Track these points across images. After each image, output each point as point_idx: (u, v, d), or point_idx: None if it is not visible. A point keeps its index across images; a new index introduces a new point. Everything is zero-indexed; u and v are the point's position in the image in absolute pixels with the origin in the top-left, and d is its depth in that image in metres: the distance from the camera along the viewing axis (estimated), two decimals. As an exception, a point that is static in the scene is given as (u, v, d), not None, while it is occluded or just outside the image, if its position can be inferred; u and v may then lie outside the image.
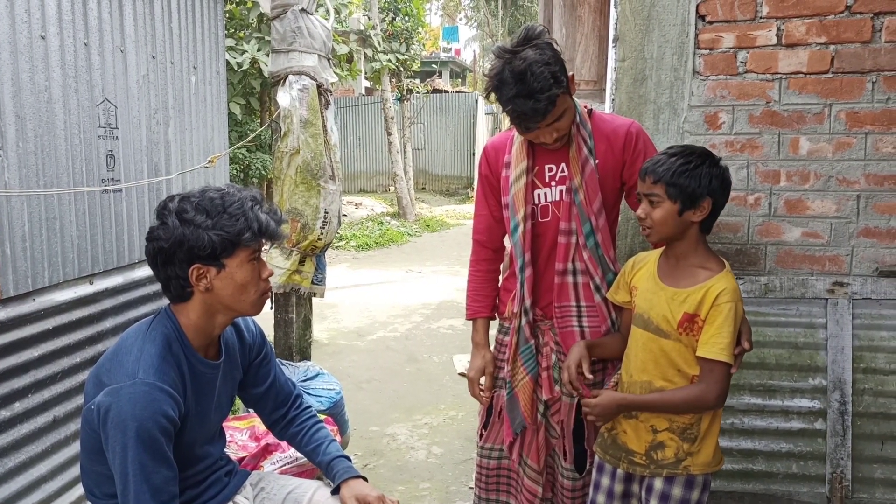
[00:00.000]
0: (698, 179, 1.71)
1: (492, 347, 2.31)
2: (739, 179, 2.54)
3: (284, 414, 1.99)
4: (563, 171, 2.07)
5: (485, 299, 2.28)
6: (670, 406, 1.76)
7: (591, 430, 2.10)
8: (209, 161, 2.91)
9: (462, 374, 4.89)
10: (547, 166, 2.08)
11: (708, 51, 2.52)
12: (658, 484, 1.79)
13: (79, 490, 2.57)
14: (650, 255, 1.93)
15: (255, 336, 1.90)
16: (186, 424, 1.64)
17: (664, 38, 2.52)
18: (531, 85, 1.81)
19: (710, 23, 2.50)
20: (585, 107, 2.12)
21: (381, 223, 12.80)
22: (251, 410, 2.18)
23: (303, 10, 2.98)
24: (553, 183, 2.08)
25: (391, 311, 6.86)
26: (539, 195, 2.09)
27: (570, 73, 1.93)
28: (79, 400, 2.58)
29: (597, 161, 2.04)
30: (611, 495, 1.90)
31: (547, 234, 2.10)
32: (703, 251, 1.80)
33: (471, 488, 3.26)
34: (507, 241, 2.29)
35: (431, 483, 3.34)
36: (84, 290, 2.61)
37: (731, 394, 2.56)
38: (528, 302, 2.12)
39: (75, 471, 2.55)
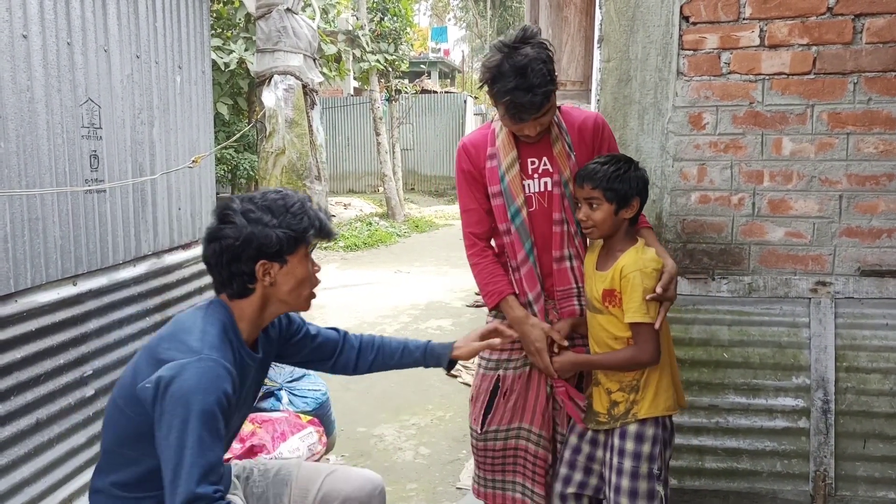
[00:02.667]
0: (629, 182, 2.00)
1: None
2: (723, 179, 2.55)
3: (343, 357, 2.07)
4: (545, 164, 2.19)
5: (503, 278, 2.25)
6: (613, 364, 2.05)
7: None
8: (193, 161, 2.90)
9: (451, 375, 4.89)
10: (529, 160, 2.20)
11: (692, 52, 2.53)
12: (616, 435, 2.05)
13: (63, 493, 2.55)
14: (594, 247, 2.20)
15: (280, 326, 1.94)
16: (230, 413, 1.64)
17: (648, 38, 2.54)
18: (531, 80, 1.95)
19: (694, 24, 2.52)
20: None
21: (370, 224, 12.78)
22: None
23: (288, 9, 2.97)
24: (536, 175, 2.20)
25: (379, 312, 6.85)
26: (524, 186, 2.20)
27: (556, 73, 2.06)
28: (62, 402, 2.55)
29: (574, 154, 2.19)
30: (577, 451, 2.17)
31: (535, 224, 2.21)
32: (627, 239, 2.07)
33: (458, 488, 3.26)
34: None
35: (419, 483, 3.34)
36: (68, 291, 2.59)
37: (715, 392, 2.58)
38: (540, 284, 2.22)
39: (59, 473, 2.53)
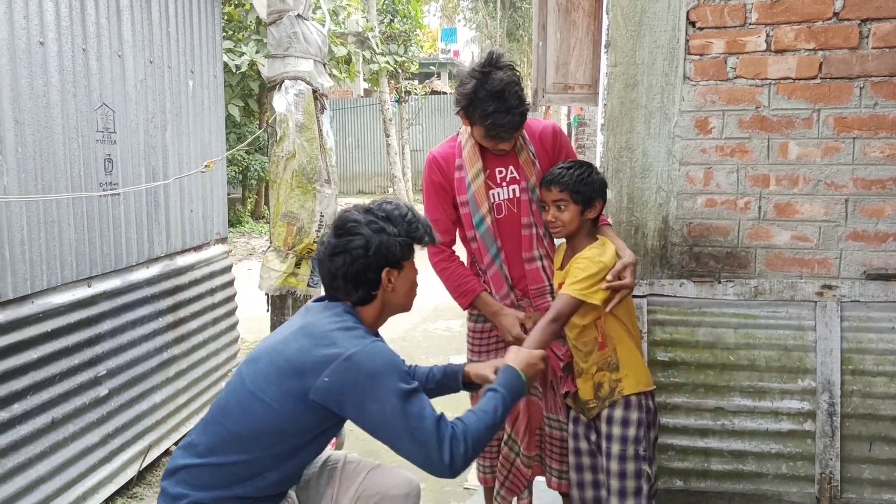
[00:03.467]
0: (592, 185, 2.15)
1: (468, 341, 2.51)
2: (729, 183, 2.57)
3: None
4: (511, 172, 2.33)
5: (472, 278, 2.40)
6: (544, 326, 2.07)
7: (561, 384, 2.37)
8: (205, 166, 2.95)
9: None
10: (497, 169, 2.33)
11: (698, 56, 2.55)
12: (604, 414, 2.17)
13: (77, 491, 2.59)
14: (560, 249, 2.34)
15: None
16: None
17: (655, 43, 2.56)
18: (509, 102, 2.12)
19: (701, 29, 2.53)
20: None
21: (380, 225, 12.77)
22: None
23: (299, 15, 3.02)
24: (504, 183, 2.34)
25: (388, 313, 6.88)
26: (493, 195, 2.33)
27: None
28: (77, 401, 2.60)
29: (538, 161, 2.33)
30: (585, 439, 2.28)
31: (505, 229, 2.34)
32: (589, 238, 2.20)
33: (466, 489, 3.29)
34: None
35: (426, 483, 3.37)
36: (82, 292, 2.64)
37: (721, 395, 2.60)
38: (510, 281, 2.36)
39: (74, 471, 2.58)
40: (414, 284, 1.87)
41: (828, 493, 2.53)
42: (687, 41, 2.55)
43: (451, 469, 1.63)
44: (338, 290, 1.77)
